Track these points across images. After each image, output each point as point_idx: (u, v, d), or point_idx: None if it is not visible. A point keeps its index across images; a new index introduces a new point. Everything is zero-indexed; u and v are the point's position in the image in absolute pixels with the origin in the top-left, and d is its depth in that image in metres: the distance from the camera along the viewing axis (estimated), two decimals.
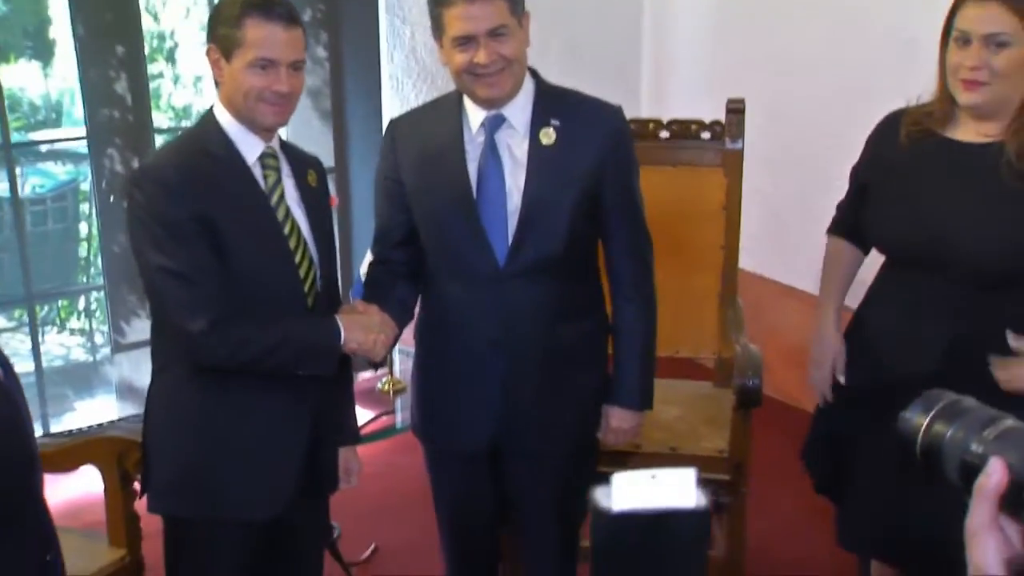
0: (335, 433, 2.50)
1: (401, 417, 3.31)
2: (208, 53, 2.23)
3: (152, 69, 4.98)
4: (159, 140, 4.21)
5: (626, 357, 2.56)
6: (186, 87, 5.20)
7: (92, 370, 5.09)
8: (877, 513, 2.47)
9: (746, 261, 4.29)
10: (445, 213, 2.43)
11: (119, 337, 4.23)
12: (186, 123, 4.60)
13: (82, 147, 4.25)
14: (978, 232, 2.23)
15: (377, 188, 2.58)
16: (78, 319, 5.98)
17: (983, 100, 2.21)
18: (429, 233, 2.48)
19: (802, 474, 2.79)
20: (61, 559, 1.68)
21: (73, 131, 5.07)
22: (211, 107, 2.29)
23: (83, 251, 5.79)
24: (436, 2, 2.31)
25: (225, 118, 2.26)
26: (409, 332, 2.60)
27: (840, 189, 2.66)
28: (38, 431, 4.23)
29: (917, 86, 2.39)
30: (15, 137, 7.82)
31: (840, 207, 2.66)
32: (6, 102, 4.14)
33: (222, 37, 2.19)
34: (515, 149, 2.40)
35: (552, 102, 2.42)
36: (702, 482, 2.69)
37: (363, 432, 3.17)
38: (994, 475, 0.88)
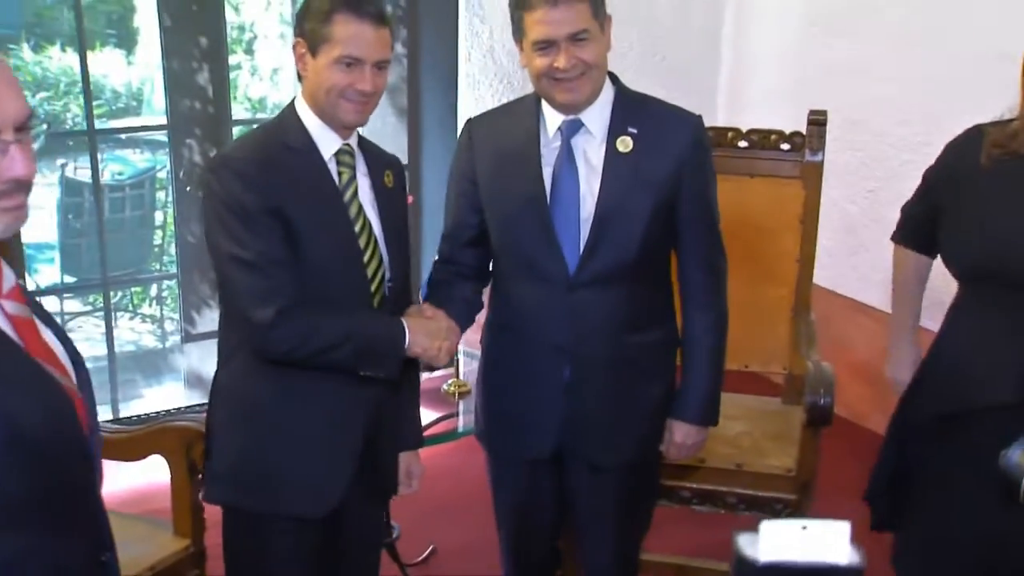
0: (396, 436, 2.47)
1: (464, 421, 3.27)
2: (295, 47, 2.21)
3: (231, 60, 5.00)
4: (236, 132, 4.23)
5: (693, 370, 2.51)
6: (263, 79, 5.21)
7: (161, 357, 5.14)
8: (962, 547, 2.37)
9: (818, 274, 4.22)
10: (518, 216, 2.40)
11: (189, 326, 4.26)
12: (262, 115, 4.61)
13: (162, 136, 4.28)
14: None
15: (450, 187, 2.55)
16: (150, 306, 6.05)
17: None
18: (501, 235, 2.46)
19: None
20: (116, 560, 1.67)
21: (153, 119, 5.10)
22: (292, 100, 2.28)
23: (158, 239, 5.85)
24: (517, 5, 2.29)
25: (306, 113, 2.24)
26: (474, 334, 2.58)
27: None
28: (107, 416, 4.28)
29: (1005, 103, 2.31)
30: (96, 125, 7.97)
31: (905, 210, 2.58)
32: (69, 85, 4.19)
33: (310, 32, 2.17)
34: (591, 155, 2.37)
35: (631, 109, 2.38)
36: (766, 501, 2.65)
37: (426, 434, 3.14)
38: None
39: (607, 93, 2.38)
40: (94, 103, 8.23)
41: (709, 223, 2.45)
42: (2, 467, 1.39)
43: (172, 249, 4.27)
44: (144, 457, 2.71)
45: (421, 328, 2.26)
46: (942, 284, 2.52)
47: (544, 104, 2.39)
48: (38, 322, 1.54)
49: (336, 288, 2.23)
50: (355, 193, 2.27)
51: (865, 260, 4.12)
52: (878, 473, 2.53)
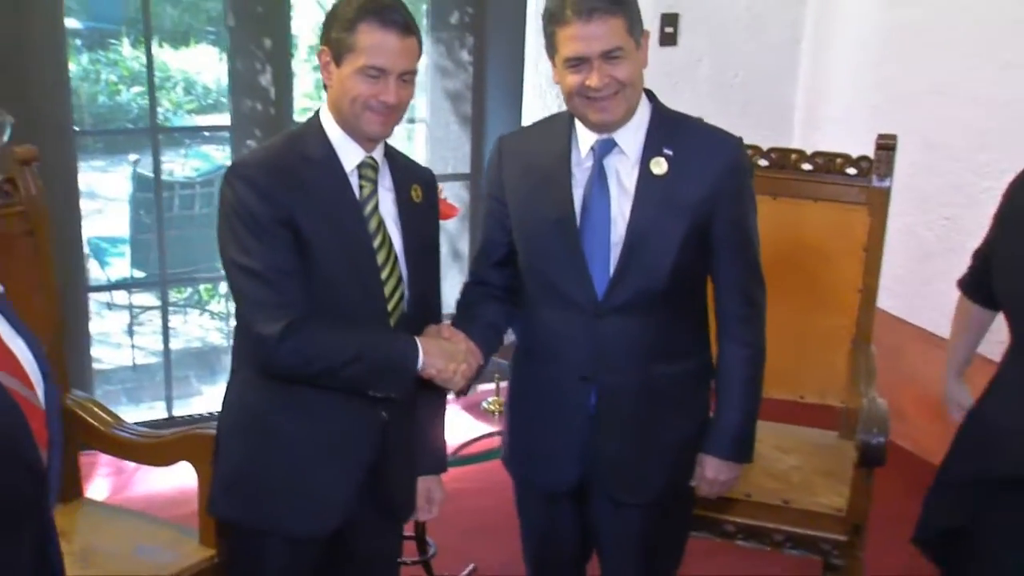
0: (410, 458, 2.39)
1: (490, 443, 3.21)
2: (319, 55, 2.17)
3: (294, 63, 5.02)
4: None
5: (726, 405, 2.40)
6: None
7: (225, 354, 5.12)
8: None
9: (888, 302, 4.08)
10: (546, 238, 2.31)
11: None
12: None
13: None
14: None
15: (484, 205, 2.49)
16: (218, 303, 6.07)
17: None
18: (527, 257, 2.38)
19: None
20: None
21: (219, 119, 5.13)
22: (318, 110, 2.23)
23: None
24: (550, 20, 2.21)
25: (329, 123, 2.19)
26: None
27: None
28: (163, 414, 4.29)
29: None
30: (184, 120, 8.08)
31: (973, 256, 2.46)
32: (182, 85, 4.22)
33: (335, 40, 2.12)
34: (624, 177, 2.28)
35: (667, 129, 2.29)
36: (814, 541, 2.53)
37: (466, 452, 3.10)
38: None
39: (643, 112, 2.29)
40: (186, 99, 8.40)
41: (746, 252, 2.34)
42: None
43: None
44: (171, 463, 2.67)
45: (436, 349, 2.19)
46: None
47: (577, 123, 2.30)
48: (4, 329, 1.51)
49: (350, 303, 2.17)
50: (376, 207, 2.21)
51: (939, 290, 3.94)
52: (924, 522, 2.41)
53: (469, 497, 3.74)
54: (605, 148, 2.28)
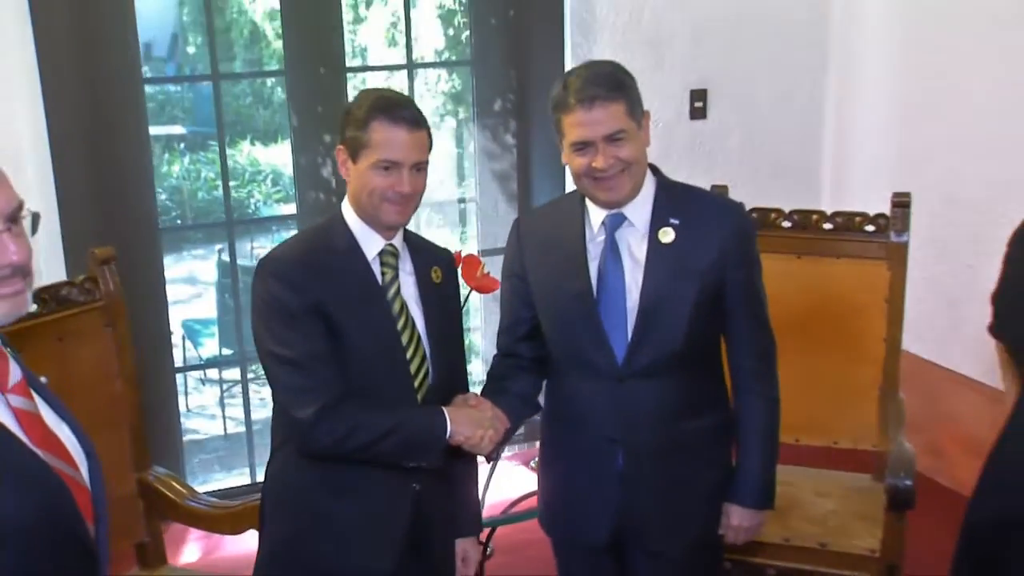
0: (447, 523, 2.38)
1: None
2: (337, 154, 2.22)
3: None
4: None
5: (747, 456, 2.38)
6: None
7: None
8: None
9: (920, 348, 4.00)
10: (567, 311, 2.32)
11: None
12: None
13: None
14: None
15: (503, 283, 2.51)
16: None
17: None
18: (552, 330, 2.39)
19: None
20: None
21: (286, 209, 5.21)
22: (339, 207, 2.28)
23: None
24: (555, 107, 2.24)
25: (351, 215, 2.23)
26: None
27: None
28: (246, 480, 4.31)
29: None
30: (273, 209, 8.24)
31: (992, 300, 2.39)
32: (271, 178, 4.28)
33: (350, 139, 2.17)
34: (635, 247, 2.28)
35: (672, 200, 2.30)
36: None
37: (514, 510, 3.08)
38: None
39: (648, 186, 2.30)
40: (272, 189, 8.58)
41: (755, 310, 2.34)
42: None
43: None
44: (239, 532, 2.70)
45: (463, 417, 2.20)
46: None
47: (588, 200, 2.32)
48: (48, 415, 1.53)
49: (379, 382, 2.19)
50: (398, 291, 2.23)
51: (967, 334, 3.86)
52: (955, 566, 2.33)
53: (517, 546, 3.65)
54: (616, 222, 2.28)
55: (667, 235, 2.26)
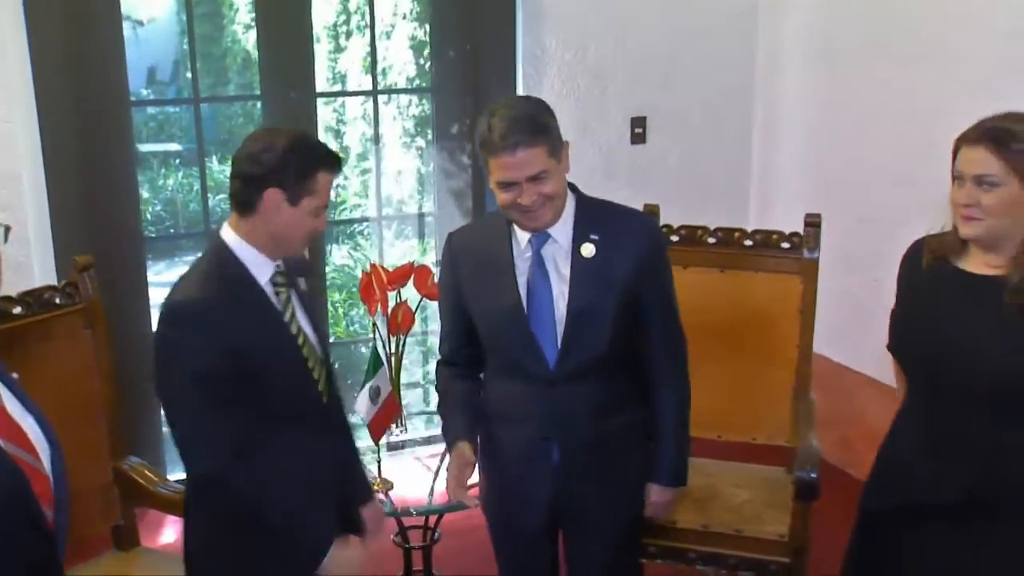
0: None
1: None
2: (268, 196, 2.04)
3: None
4: (330, 230, 4.23)
5: (662, 441, 2.41)
6: (389, 177, 5.16)
7: None
8: None
9: (833, 353, 4.03)
10: (499, 322, 2.32)
11: None
12: (387, 210, 4.57)
13: None
14: (981, 356, 1.99)
15: (440, 293, 2.50)
16: None
17: (977, 234, 2.01)
18: (487, 340, 2.38)
19: None
20: None
21: None
22: (218, 237, 2.13)
23: None
24: (481, 147, 2.22)
25: (236, 243, 2.09)
26: None
27: None
28: None
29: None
30: None
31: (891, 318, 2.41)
32: None
33: (292, 184, 2.04)
34: (560, 262, 2.28)
35: (591, 216, 2.29)
36: (763, 564, 2.50)
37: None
38: None
39: (569, 205, 2.30)
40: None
41: (668, 312, 2.37)
42: None
43: None
44: None
45: (343, 560, 2.16)
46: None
47: None
48: (13, 407, 1.52)
49: (293, 402, 2.15)
50: (293, 312, 2.17)
51: (874, 340, 3.84)
52: (849, 555, 2.35)
53: (469, 532, 3.67)
54: (541, 240, 2.28)
55: (588, 249, 2.26)
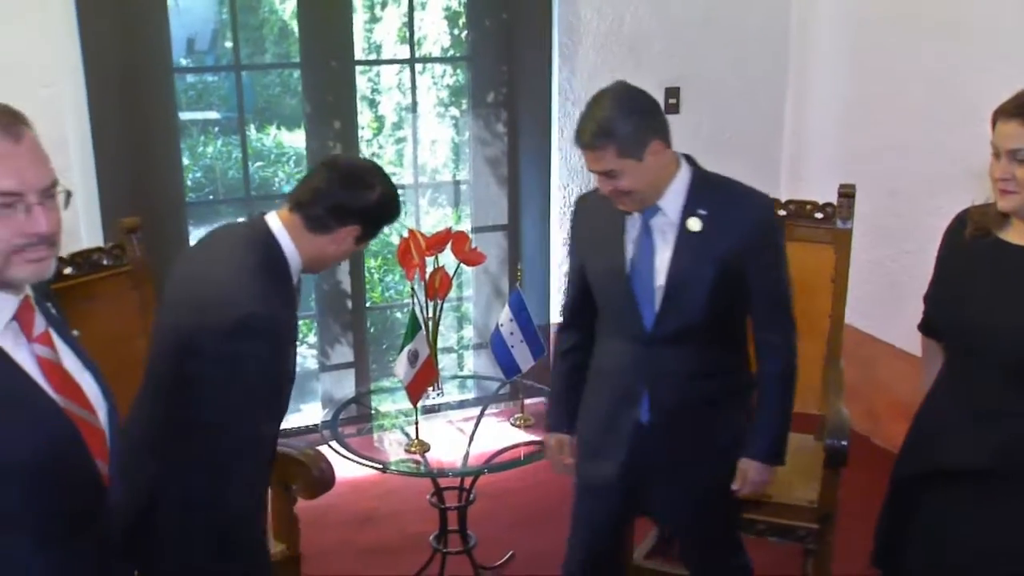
0: None
1: (526, 450, 3.15)
2: (347, 231, 2.15)
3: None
4: None
5: (760, 417, 2.40)
6: (423, 146, 5.16)
7: (315, 379, 5.14)
8: None
9: (864, 323, 3.98)
10: (605, 281, 2.38)
11: (324, 358, 4.26)
12: (422, 178, 4.56)
13: None
14: (1015, 328, 1.96)
15: (569, 258, 2.61)
16: (313, 335, 6.11)
17: (1013, 206, 1.98)
18: (597, 299, 2.43)
19: None
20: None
21: None
22: (267, 227, 2.14)
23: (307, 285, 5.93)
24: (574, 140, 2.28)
25: (286, 241, 2.14)
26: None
27: None
28: None
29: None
30: (288, 187, 8.19)
31: (924, 299, 2.36)
32: (294, 159, 4.22)
33: (368, 230, 2.21)
34: (667, 233, 2.30)
35: (704, 191, 2.29)
36: (791, 529, 2.49)
37: (497, 460, 3.08)
38: None
39: (682, 179, 2.29)
40: (295, 169, 8.55)
41: (775, 293, 2.35)
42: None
43: (312, 295, 4.27)
44: None
45: None
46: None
47: None
48: (72, 363, 1.53)
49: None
50: None
51: (904, 312, 3.77)
52: (881, 520, 2.32)
53: (505, 495, 3.72)
54: (650, 212, 2.30)
55: (695, 223, 2.27)
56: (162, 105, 3.74)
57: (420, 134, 4.39)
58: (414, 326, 2.97)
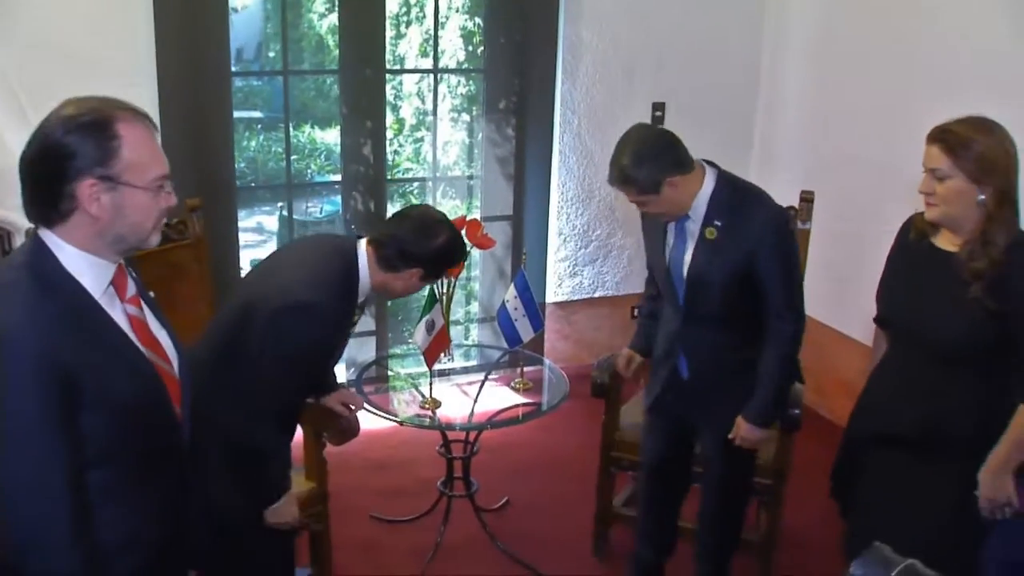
0: None
1: (523, 410, 3.22)
2: (412, 273, 2.30)
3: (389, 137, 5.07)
4: (389, 188, 4.28)
5: (759, 388, 2.48)
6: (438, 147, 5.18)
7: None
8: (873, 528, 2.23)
9: (819, 313, 4.03)
10: (655, 269, 2.61)
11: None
12: (437, 173, 4.59)
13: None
14: (939, 319, 2.07)
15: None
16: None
17: (933, 216, 2.08)
18: (654, 276, 2.66)
19: None
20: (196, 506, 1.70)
21: (334, 177, 5.21)
22: (355, 251, 2.28)
23: None
24: None
25: (364, 266, 2.27)
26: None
27: None
28: None
29: None
30: (326, 178, 8.24)
31: (877, 297, 2.43)
32: (324, 154, 4.23)
33: (429, 273, 2.34)
34: (694, 235, 2.42)
35: (723, 200, 2.39)
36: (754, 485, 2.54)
37: (498, 418, 3.14)
38: None
39: (708, 185, 2.40)
40: (324, 162, 8.59)
41: (783, 291, 2.41)
42: (100, 425, 1.45)
43: None
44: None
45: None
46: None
47: None
48: (152, 322, 1.60)
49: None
50: None
51: (852, 303, 3.91)
52: (835, 467, 2.42)
53: (503, 450, 3.79)
54: (684, 218, 2.43)
55: (711, 232, 2.39)
56: (220, 105, 3.78)
57: (437, 135, 4.43)
58: (432, 299, 3.03)
